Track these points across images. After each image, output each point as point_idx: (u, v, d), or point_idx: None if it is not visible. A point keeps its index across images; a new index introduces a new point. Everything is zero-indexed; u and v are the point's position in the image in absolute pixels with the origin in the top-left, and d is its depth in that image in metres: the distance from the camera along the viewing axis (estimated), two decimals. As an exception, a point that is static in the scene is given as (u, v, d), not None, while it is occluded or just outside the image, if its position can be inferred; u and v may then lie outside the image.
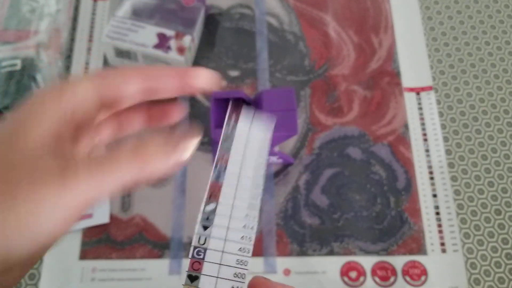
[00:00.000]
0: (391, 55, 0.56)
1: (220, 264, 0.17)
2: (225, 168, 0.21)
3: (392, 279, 0.46)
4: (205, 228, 0.18)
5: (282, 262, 0.46)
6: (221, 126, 0.39)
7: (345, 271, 0.46)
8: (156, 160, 0.18)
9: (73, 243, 0.46)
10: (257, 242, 0.47)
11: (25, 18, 0.54)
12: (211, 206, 0.19)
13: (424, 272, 0.46)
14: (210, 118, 0.40)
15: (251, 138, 0.22)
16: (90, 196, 0.17)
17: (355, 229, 0.47)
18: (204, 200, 0.19)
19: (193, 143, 0.19)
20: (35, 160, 0.17)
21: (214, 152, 0.50)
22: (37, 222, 0.16)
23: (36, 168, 0.16)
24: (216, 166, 0.22)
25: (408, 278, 0.46)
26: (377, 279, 0.46)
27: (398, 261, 0.46)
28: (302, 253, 0.46)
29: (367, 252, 0.47)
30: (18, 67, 0.51)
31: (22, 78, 0.50)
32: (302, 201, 0.49)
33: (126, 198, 0.48)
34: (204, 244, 0.18)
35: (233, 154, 0.21)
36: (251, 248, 0.17)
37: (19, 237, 0.16)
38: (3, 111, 0.50)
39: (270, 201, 0.48)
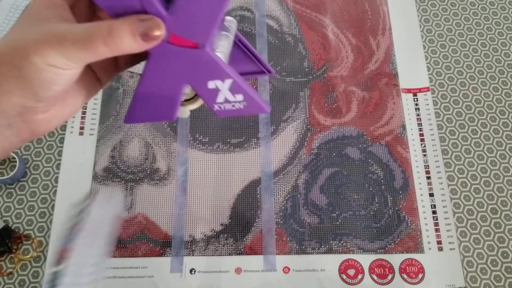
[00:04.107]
0: (389, 56, 0.57)
1: None
2: (76, 237, 0.26)
3: (389, 277, 0.46)
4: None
5: (282, 260, 0.47)
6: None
7: (343, 269, 0.47)
8: (125, 42, 0.22)
9: (76, 241, 0.47)
10: (257, 240, 0.48)
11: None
12: (59, 267, 0.23)
13: (421, 270, 0.47)
14: None
15: (102, 217, 0.27)
16: (67, 63, 0.22)
17: (353, 228, 0.48)
18: (53, 262, 0.23)
19: (157, 27, 0.23)
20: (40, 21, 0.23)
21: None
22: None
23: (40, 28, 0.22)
24: (67, 236, 0.27)
25: (405, 276, 0.46)
26: (374, 277, 0.46)
27: (396, 259, 0.47)
28: (301, 251, 0.47)
29: (365, 250, 0.47)
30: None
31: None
32: (301, 200, 0.49)
33: (128, 197, 0.49)
34: None
35: (86, 228, 0.26)
36: None
37: None
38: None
39: (270, 200, 0.49)
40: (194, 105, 0.28)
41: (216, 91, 0.26)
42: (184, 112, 0.28)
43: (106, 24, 0.22)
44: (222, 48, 0.26)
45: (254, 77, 0.37)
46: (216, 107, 0.27)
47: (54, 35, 0.22)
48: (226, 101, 0.27)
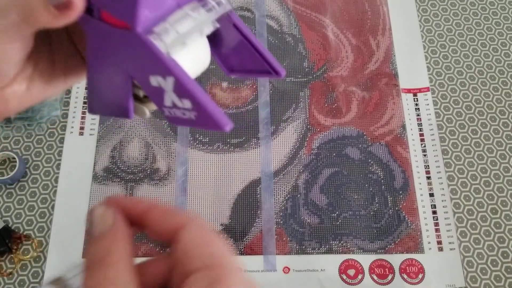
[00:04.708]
0: (389, 56, 0.57)
1: None
2: None
3: (389, 277, 0.46)
4: None
5: (282, 260, 0.47)
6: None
7: (343, 269, 0.47)
8: (39, 13, 0.19)
9: (77, 241, 0.47)
10: (257, 240, 0.48)
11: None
12: None
13: (421, 270, 0.47)
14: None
15: None
16: None
17: (354, 228, 0.48)
18: None
19: None
20: None
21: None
22: None
23: None
24: None
25: (405, 276, 0.46)
26: (375, 277, 0.46)
27: (396, 259, 0.47)
28: (302, 251, 0.47)
29: (365, 251, 0.47)
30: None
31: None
32: (302, 200, 0.49)
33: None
34: None
35: None
36: None
37: None
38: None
39: (270, 200, 0.49)
40: (153, 105, 0.23)
41: (162, 91, 0.20)
42: (142, 111, 0.24)
43: None
44: (171, 35, 0.20)
45: (261, 77, 0.32)
46: (166, 111, 0.21)
47: None
48: (175, 106, 0.20)
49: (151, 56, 0.19)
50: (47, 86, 0.24)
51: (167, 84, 0.19)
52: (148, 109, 0.24)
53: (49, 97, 0.24)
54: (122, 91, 0.22)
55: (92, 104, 0.24)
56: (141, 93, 0.23)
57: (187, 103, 0.19)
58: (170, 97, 0.20)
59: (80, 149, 0.51)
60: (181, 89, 0.19)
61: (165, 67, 0.19)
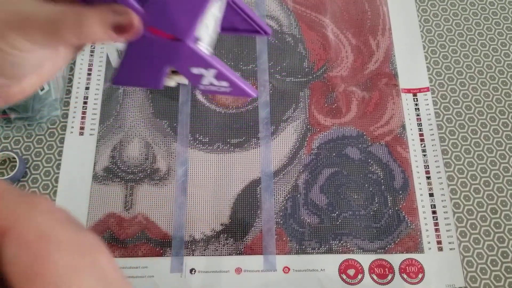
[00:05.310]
0: (389, 57, 0.57)
1: None
2: None
3: (389, 277, 0.46)
4: None
5: (282, 260, 0.47)
6: None
7: (343, 269, 0.47)
8: (94, 33, 0.21)
9: (76, 241, 0.47)
10: (257, 240, 0.48)
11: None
12: None
13: (421, 270, 0.47)
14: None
15: None
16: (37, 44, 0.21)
17: (353, 228, 0.48)
18: None
19: (131, 23, 0.21)
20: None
21: None
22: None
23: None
24: None
25: (405, 276, 0.46)
26: (374, 277, 0.46)
27: (396, 259, 0.47)
28: (301, 251, 0.47)
29: (365, 250, 0.47)
30: (22, 69, 0.51)
31: (26, 80, 0.51)
32: (301, 200, 0.49)
33: (128, 197, 0.49)
34: None
35: None
36: None
37: None
38: (7, 111, 0.51)
39: (270, 200, 0.49)
40: (182, 79, 0.28)
41: (201, 75, 0.26)
42: (171, 81, 0.28)
43: (74, 13, 0.21)
44: (207, 37, 0.26)
45: (249, 35, 0.36)
46: (201, 87, 0.27)
47: (17, 16, 0.20)
48: (212, 84, 0.27)
49: (198, 58, 0.25)
50: (53, 68, 0.25)
51: (209, 73, 0.26)
52: (175, 80, 0.28)
53: (52, 77, 0.28)
54: (157, 71, 0.26)
55: (121, 77, 0.27)
56: (169, 70, 0.28)
57: (224, 83, 0.26)
58: (208, 80, 0.26)
59: (80, 149, 0.51)
60: (222, 76, 0.26)
61: (210, 64, 0.25)
